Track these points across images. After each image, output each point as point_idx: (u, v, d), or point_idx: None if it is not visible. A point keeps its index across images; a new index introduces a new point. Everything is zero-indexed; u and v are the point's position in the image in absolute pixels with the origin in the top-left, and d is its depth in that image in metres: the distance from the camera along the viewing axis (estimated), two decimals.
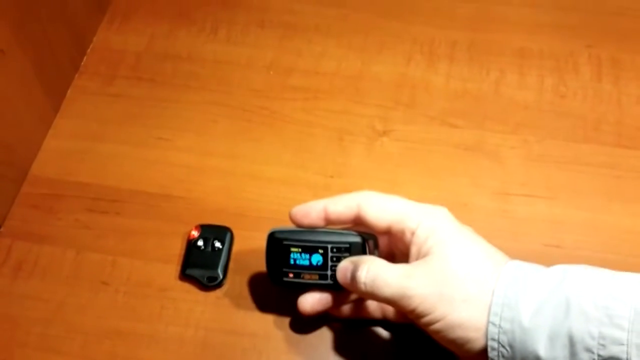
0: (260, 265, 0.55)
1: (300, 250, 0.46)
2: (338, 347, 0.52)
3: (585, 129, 0.63)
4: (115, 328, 0.54)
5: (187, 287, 0.55)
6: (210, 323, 0.53)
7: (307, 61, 0.69)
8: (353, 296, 0.49)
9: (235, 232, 0.57)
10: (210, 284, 0.53)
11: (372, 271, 0.43)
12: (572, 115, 0.64)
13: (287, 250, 0.47)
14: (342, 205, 0.45)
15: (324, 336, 0.52)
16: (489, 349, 0.40)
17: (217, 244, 0.55)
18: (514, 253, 0.53)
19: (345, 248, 0.46)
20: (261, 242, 0.56)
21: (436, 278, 0.41)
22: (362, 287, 0.43)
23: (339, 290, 0.46)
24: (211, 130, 0.65)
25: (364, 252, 0.46)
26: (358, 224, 0.46)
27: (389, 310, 0.49)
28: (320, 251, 0.46)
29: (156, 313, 0.54)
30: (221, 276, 0.54)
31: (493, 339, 0.40)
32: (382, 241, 0.48)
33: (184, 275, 0.54)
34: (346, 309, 0.50)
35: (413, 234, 0.44)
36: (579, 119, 0.63)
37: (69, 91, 0.68)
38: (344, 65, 0.69)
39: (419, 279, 0.42)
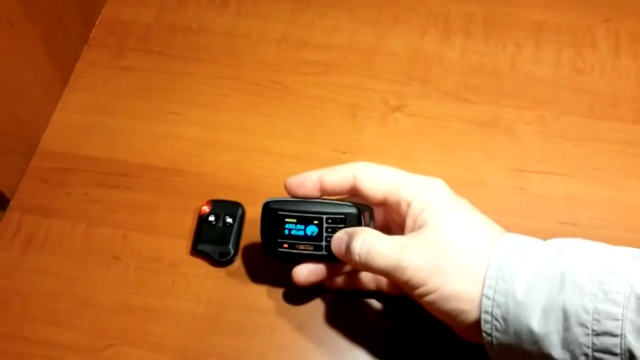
0: None
1: (295, 220, 0.46)
2: (352, 324, 0.51)
3: (603, 105, 0.62)
4: (126, 303, 0.53)
5: (199, 262, 0.54)
6: (222, 299, 0.53)
7: (319, 35, 0.68)
8: (347, 267, 0.49)
9: (246, 207, 0.57)
10: (221, 259, 0.53)
11: (366, 242, 0.43)
12: (590, 91, 0.62)
13: (281, 220, 0.47)
14: (337, 176, 0.45)
15: (337, 312, 0.52)
16: (482, 322, 0.40)
17: (229, 220, 0.54)
18: (530, 231, 0.52)
19: (341, 219, 0.46)
20: None
21: (431, 249, 0.41)
22: (357, 258, 0.43)
23: (333, 261, 0.46)
24: (222, 105, 0.64)
25: (359, 224, 0.46)
26: (354, 195, 0.46)
27: (383, 281, 0.49)
28: (315, 222, 0.46)
29: (167, 288, 0.54)
30: (232, 252, 0.53)
31: (486, 312, 0.40)
32: (378, 213, 0.48)
33: (195, 251, 0.54)
34: (340, 280, 0.50)
35: (409, 205, 0.43)
36: (596, 95, 0.62)
37: (77, 64, 0.67)
38: (357, 39, 0.67)
39: (414, 250, 0.41)
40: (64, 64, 0.65)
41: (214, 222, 0.54)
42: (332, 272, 0.48)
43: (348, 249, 0.43)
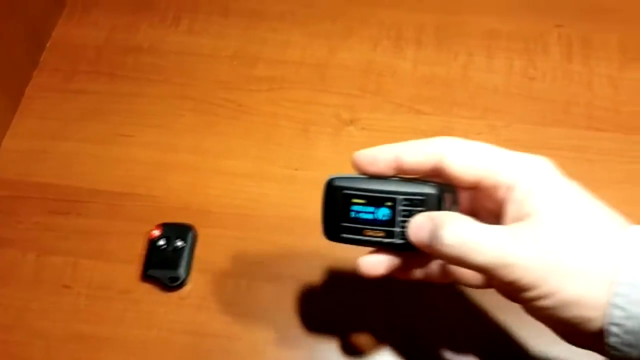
0: (226, 263, 0.55)
1: (363, 201, 0.39)
2: (309, 347, 0.51)
3: (555, 112, 0.62)
4: (78, 332, 0.53)
5: (149, 288, 0.54)
6: (173, 324, 0.52)
7: (272, 50, 0.67)
8: (429, 258, 0.41)
9: (199, 229, 0.56)
10: (172, 284, 0.52)
11: (460, 232, 0.35)
12: (541, 99, 0.62)
13: (347, 201, 0.39)
14: (420, 153, 0.38)
15: (292, 335, 0.52)
16: (608, 334, 0.33)
17: (179, 243, 0.54)
18: None
19: (420, 201, 0.38)
20: (226, 240, 0.56)
21: (545, 244, 0.33)
22: (447, 250, 0.35)
23: (407, 251, 0.39)
24: (175, 125, 0.63)
25: (439, 208, 0.38)
26: (436, 176, 0.38)
27: (470, 275, 0.41)
28: (388, 204, 0.38)
29: (119, 316, 0.53)
30: (183, 276, 0.53)
31: (616, 324, 0.33)
32: (462, 197, 0.40)
33: (146, 276, 0.53)
34: (419, 272, 0.42)
35: (510, 189, 0.36)
36: (548, 102, 0.62)
37: (27, 89, 0.66)
38: (309, 53, 0.67)
39: (524, 244, 0.33)
40: (14, 90, 0.64)
41: (164, 246, 0.54)
42: (405, 263, 0.40)
43: (435, 238, 0.35)
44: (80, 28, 0.70)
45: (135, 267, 0.55)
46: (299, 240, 0.56)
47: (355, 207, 0.39)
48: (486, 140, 0.59)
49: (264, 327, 0.52)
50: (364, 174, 0.39)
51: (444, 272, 0.42)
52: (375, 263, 0.39)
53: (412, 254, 0.39)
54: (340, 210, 0.39)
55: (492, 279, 0.36)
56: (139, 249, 0.55)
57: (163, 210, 0.58)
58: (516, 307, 0.37)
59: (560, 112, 0.61)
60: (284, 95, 0.64)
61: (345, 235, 0.39)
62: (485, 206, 0.39)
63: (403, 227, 0.38)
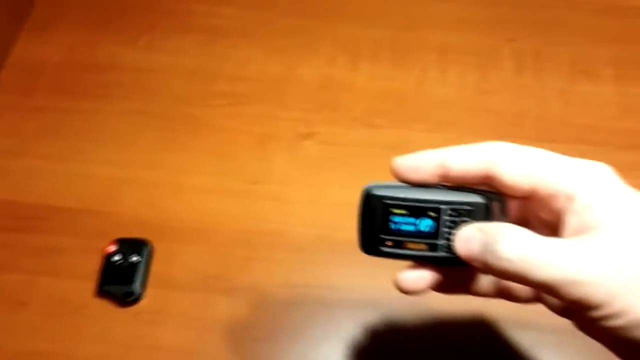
0: (182, 277, 0.55)
1: (405, 212, 0.36)
2: None
3: (506, 124, 0.63)
4: (35, 349, 0.53)
5: (105, 303, 0.54)
6: (129, 339, 0.52)
7: (231, 66, 0.68)
8: (465, 271, 0.38)
9: (157, 244, 0.57)
10: (127, 299, 0.52)
11: (520, 245, 0.31)
12: (493, 111, 0.64)
13: (387, 211, 0.36)
14: (469, 160, 0.34)
15: (246, 349, 0.52)
16: None
17: (135, 258, 0.54)
18: None
19: (466, 211, 0.35)
20: (183, 255, 0.56)
21: (616, 259, 0.31)
22: (504, 265, 0.31)
23: (452, 265, 0.36)
24: (133, 141, 0.64)
25: (487, 218, 0.35)
26: (485, 185, 0.35)
27: (520, 290, 0.38)
28: (432, 214, 0.36)
29: (75, 332, 0.53)
30: (139, 291, 0.53)
31: None
32: (511, 206, 0.37)
33: (101, 292, 0.54)
34: (460, 287, 0.39)
35: (570, 199, 0.33)
36: (500, 114, 0.64)
37: None
38: (268, 69, 0.68)
39: (593, 259, 0.31)
40: None
41: (119, 262, 0.54)
42: (448, 278, 0.37)
43: (490, 252, 0.32)
44: (40, 46, 0.70)
45: (91, 283, 0.55)
46: (257, 253, 0.57)
47: (395, 218, 0.36)
48: None
49: (220, 340, 0.52)
50: (405, 182, 0.36)
51: (491, 286, 0.39)
52: (416, 279, 0.36)
53: (456, 268, 0.36)
54: (379, 221, 0.36)
55: (556, 296, 0.32)
56: (95, 265, 0.56)
57: (120, 225, 0.58)
58: None
59: (511, 125, 0.63)
60: (243, 111, 0.65)
61: (384, 249, 0.37)
62: (539, 217, 0.36)
63: (448, 239, 0.35)
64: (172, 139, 0.64)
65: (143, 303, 0.54)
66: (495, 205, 0.35)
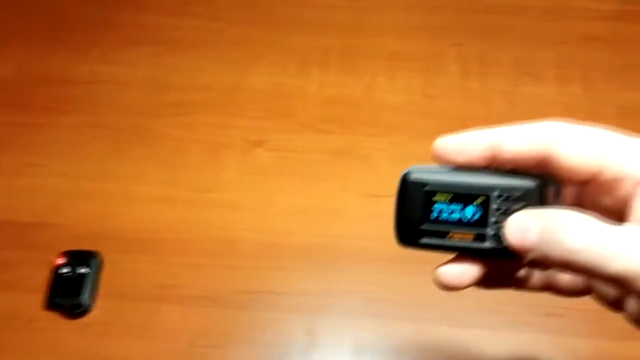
0: (132, 288, 0.55)
1: (449, 198, 0.33)
2: None
3: (453, 128, 0.63)
4: None
5: (54, 316, 0.54)
6: (78, 351, 0.53)
7: (183, 76, 0.69)
8: (510, 264, 0.35)
9: (108, 256, 0.57)
10: (76, 311, 0.53)
11: (587, 234, 0.28)
12: (440, 115, 0.65)
13: (428, 198, 0.33)
14: (523, 141, 0.31)
15: (197, 358, 0.52)
16: None
17: (83, 270, 0.54)
18: (382, 254, 0.54)
19: (518, 197, 0.32)
20: (134, 265, 0.57)
21: None
22: (569, 257, 0.28)
23: (501, 258, 0.33)
24: (85, 153, 0.64)
25: (542, 204, 0.32)
26: (540, 169, 0.32)
27: (569, 282, 0.35)
28: (479, 200, 0.32)
29: (25, 345, 0.53)
30: (87, 303, 0.53)
31: None
32: (566, 190, 0.34)
33: (51, 305, 0.54)
34: (505, 280, 0.35)
35: (639, 184, 0.30)
36: (446, 118, 0.65)
37: None
38: (220, 78, 0.69)
39: None
40: None
41: (68, 274, 0.54)
42: (492, 271, 0.33)
43: (551, 242, 0.29)
44: None
45: (40, 296, 0.55)
46: (207, 261, 0.57)
47: (438, 206, 0.33)
48: (388, 157, 0.62)
49: (171, 349, 0.53)
50: (450, 164, 0.33)
51: (538, 279, 0.35)
52: (460, 273, 0.32)
53: (504, 260, 0.32)
54: (419, 209, 0.33)
55: (626, 289, 0.29)
56: (45, 278, 0.56)
57: (71, 238, 0.58)
58: None
59: (458, 128, 0.64)
60: (194, 120, 0.66)
61: (425, 241, 0.33)
62: (598, 203, 0.32)
63: (498, 228, 0.32)
64: (123, 150, 0.64)
65: (93, 314, 0.54)
66: (550, 190, 0.32)
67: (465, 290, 0.55)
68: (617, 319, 0.54)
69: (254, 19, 0.73)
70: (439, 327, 0.54)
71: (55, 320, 0.54)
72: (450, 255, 0.32)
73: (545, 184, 0.32)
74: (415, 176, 0.33)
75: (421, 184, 0.33)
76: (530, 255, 0.30)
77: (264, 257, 0.57)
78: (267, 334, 0.54)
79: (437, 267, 0.32)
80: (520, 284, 0.35)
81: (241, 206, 0.60)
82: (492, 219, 0.32)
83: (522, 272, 0.35)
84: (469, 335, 0.53)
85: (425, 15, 0.73)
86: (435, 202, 0.33)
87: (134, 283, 0.56)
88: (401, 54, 0.70)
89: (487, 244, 0.32)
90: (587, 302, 0.55)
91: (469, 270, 0.32)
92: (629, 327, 0.55)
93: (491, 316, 0.54)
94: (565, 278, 0.35)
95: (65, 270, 0.54)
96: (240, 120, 0.66)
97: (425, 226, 0.33)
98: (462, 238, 0.32)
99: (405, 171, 0.34)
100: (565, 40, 0.71)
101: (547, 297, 0.55)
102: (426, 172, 0.33)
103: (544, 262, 0.30)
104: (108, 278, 0.56)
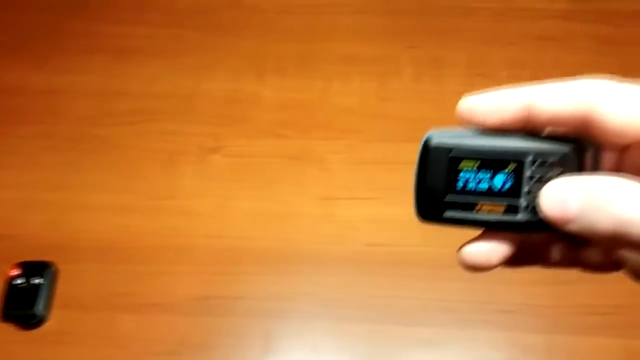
0: (88, 297, 0.55)
1: (477, 165, 0.29)
2: None
3: (407, 129, 0.65)
4: None
5: (10, 328, 0.54)
6: None
7: (138, 84, 0.69)
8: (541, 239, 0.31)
9: (63, 265, 0.57)
10: (30, 322, 0.52)
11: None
12: (394, 117, 0.66)
13: (454, 165, 0.29)
14: (563, 101, 0.27)
15: None
16: None
17: (37, 281, 0.54)
18: (337, 256, 0.55)
19: (554, 162, 0.28)
20: (90, 274, 0.57)
21: None
22: (618, 229, 0.26)
23: (535, 231, 0.29)
24: (38, 164, 0.64)
25: (580, 170, 0.28)
26: (579, 132, 0.28)
27: (601, 257, 0.32)
28: (510, 167, 0.29)
29: None
30: (41, 313, 0.53)
31: None
32: (604, 157, 0.31)
33: (5, 317, 0.53)
34: (533, 257, 0.32)
35: None
36: (400, 120, 0.66)
37: None
38: (176, 85, 0.69)
39: None
40: None
41: (22, 285, 0.54)
42: (521, 248, 0.30)
43: (595, 212, 0.26)
44: None
45: None
46: (164, 268, 0.57)
47: (464, 174, 0.29)
48: (343, 160, 0.63)
49: (126, 358, 0.53)
50: (476, 127, 0.29)
51: (566, 254, 0.32)
52: (487, 252, 0.29)
53: (538, 234, 0.29)
54: (443, 178, 0.29)
55: None
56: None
57: (25, 249, 0.58)
58: None
59: (412, 129, 0.65)
60: (150, 128, 0.66)
61: (449, 214, 0.29)
62: None
63: (533, 198, 0.28)
64: (79, 159, 0.64)
65: (49, 325, 0.54)
66: (589, 156, 0.28)
67: (416, 289, 0.56)
68: (568, 314, 0.56)
69: (210, 26, 0.73)
70: (393, 327, 0.54)
71: (10, 331, 0.54)
72: (473, 232, 0.29)
73: (584, 148, 0.28)
74: (438, 141, 0.29)
75: (445, 150, 0.29)
76: (571, 228, 0.27)
77: (221, 263, 0.57)
78: (223, 339, 0.54)
79: (461, 246, 0.29)
80: (548, 261, 0.32)
81: (197, 212, 0.60)
82: (526, 188, 0.29)
83: (557, 248, 0.31)
84: (421, 333, 0.54)
85: (379, 19, 0.74)
86: (461, 170, 0.29)
87: (90, 292, 0.56)
88: (356, 58, 0.71)
89: (520, 217, 0.29)
90: (538, 297, 0.56)
91: (497, 248, 0.29)
92: (580, 321, 0.56)
93: (443, 314, 0.54)
94: (594, 252, 0.31)
95: (19, 281, 0.54)
96: (196, 127, 0.66)
97: (450, 198, 0.29)
98: (492, 210, 0.29)
99: (426, 136, 0.29)
100: (516, 40, 0.72)
101: (498, 294, 0.56)
102: (450, 137, 0.29)
103: (584, 235, 0.27)
104: (63, 288, 0.56)
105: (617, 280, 0.56)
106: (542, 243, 0.31)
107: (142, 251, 0.58)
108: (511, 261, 0.30)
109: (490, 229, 0.29)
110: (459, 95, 0.71)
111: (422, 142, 0.29)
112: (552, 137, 0.28)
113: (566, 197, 0.26)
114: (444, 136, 0.29)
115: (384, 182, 0.62)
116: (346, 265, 0.56)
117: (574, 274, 0.52)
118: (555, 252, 0.31)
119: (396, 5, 0.75)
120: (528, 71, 0.69)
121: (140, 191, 0.62)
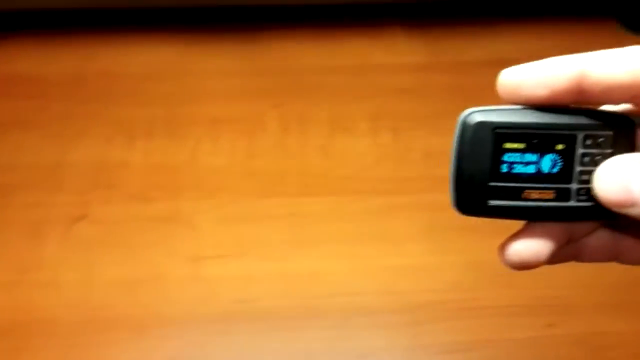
0: None
1: (523, 146, 0.25)
2: None
3: (272, 184, 0.68)
4: None
5: None
6: None
7: (2, 156, 0.68)
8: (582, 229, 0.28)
9: None
10: None
11: None
12: (260, 173, 0.68)
13: (498, 146, 0.25)
14: (619, 68, 0.24)
15: None
16: None
17: None
18: (207, 316, 0.55)
19: (606, 139, 0.25)
20: None
21: None
22: None
23: (588, 219, 0.27)
24: None
25: (631, 148, 0.26)
26: (637, 102, 0.26)
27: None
28: (560, 147, 0.25)
29: None
30: None
31: None
32: None
33: None
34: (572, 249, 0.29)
35: None
36: (265, 175, 0.68)
37: None
38: (42, 155, 0.69)
39: None
40: None
41: None
42: (568, 237, 0.27)
43: None
44: None
45: None
46: (24, 344, 0.56)
47: (509, 156, 0.25)
48: (211, 218, 0.64)
49: None
50: (520, 102, 0.25)
51: (608, 248, 0.29)
52: (537, 248, 0.26)
53: (590, 222, 0.27)
54: (486, 162, 0.25)
55: None
56: None
57: None
58: None
59: (276, 184, 0.68)
60: (13, 201, 0.65)
61: (494, 203, 0.26)
62: None
63: (586, 180, 0.25)
64: None
65: None
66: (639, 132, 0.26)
67: (279, 340, 0.56)
68: (427, 355, 0.58)
69: (75, 95, 0.74)
70: None
71: None
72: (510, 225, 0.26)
73: (633, 124, 0.26)
74: (480, 118, 0.25)
75: (489, 127, 0.25)
76: (633, 212, 0.24)
77: (83, 334, 0.56)
78: None
79: (504, 244, 0.26)
80: (585, 255, 0.29)
81: (61, 283, 0.59)
82: (578, 169, 0.25)
83: (598, 240, 0.29)
84: None
85: (247, 80, 0.77)
86: (506, 150, 0.25)
87: None
88: (225, 118, 0.73)
89: (572, 202, 0.25)
90: (397, 338, 0.58)
91: (545, 242, 0.26)
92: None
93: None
94: (636, 246, 0.29)
95: None
96: (62, 196, 0.66)
97: (494, 183, 0.25)
98: (540, 197, 0.26)
99: (466, 113, 0.25)
100: (376, 94, 0.77)
101: (358, 339, 0.58)
102: (494, 113, 0.25)
103: None
104: None
105: (476, 315, 0.59)
106: (581, 235, 0.28)
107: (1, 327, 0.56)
108: (553, 257, 0.27)
109: (537, 219, 0.26)
110: (321, 147, 0.75)
111: (459, 120, 0.25)
112: (599, 113, 0.25)
113: (629, 178, 0.24)
114: (485, 113, 0.25)
115: (250, 238, 0.63)
116: (215, 325, 0.57)
117: (431, 313, 0.55)
118: (596, 243, 0.29)
119: (262, 66, 0.78)
120: (387, 122, 0.74)
121: (2, 266, 0.60)
